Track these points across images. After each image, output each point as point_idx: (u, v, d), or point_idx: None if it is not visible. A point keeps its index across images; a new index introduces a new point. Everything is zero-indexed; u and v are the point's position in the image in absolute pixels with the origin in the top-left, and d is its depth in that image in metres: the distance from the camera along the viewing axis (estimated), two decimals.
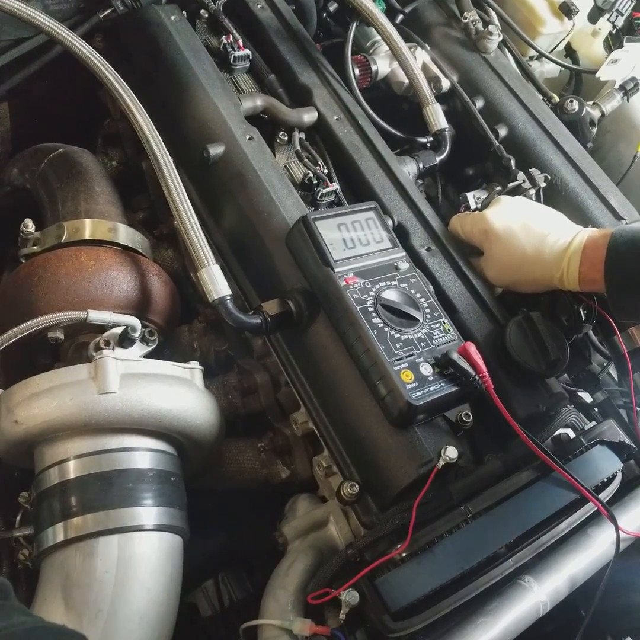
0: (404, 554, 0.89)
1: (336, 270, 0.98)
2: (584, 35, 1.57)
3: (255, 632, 0.96)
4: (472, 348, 0.97)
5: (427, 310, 1.01)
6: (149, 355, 1.03)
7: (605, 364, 1.26)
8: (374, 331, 0.95)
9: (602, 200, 1.22)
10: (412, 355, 0.95)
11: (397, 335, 0.96)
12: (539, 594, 1.03)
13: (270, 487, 1.15)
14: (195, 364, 1.02)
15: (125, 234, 1.13)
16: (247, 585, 1.29)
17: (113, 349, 0.96)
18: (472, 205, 1.24)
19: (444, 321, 1.01)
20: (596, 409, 1.23)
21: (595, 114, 1.41)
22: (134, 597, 0.87)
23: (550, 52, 1.54)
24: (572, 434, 1.08)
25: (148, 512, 0.91)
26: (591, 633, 1.19)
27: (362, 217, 1.06)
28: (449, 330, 1.00)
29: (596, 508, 1.01)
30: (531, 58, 1.55)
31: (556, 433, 1.07)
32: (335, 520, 1.06)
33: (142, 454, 0.94)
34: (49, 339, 1.01)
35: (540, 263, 1.07)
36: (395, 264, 1.04)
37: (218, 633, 1.24)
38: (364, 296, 0.98)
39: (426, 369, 0.95)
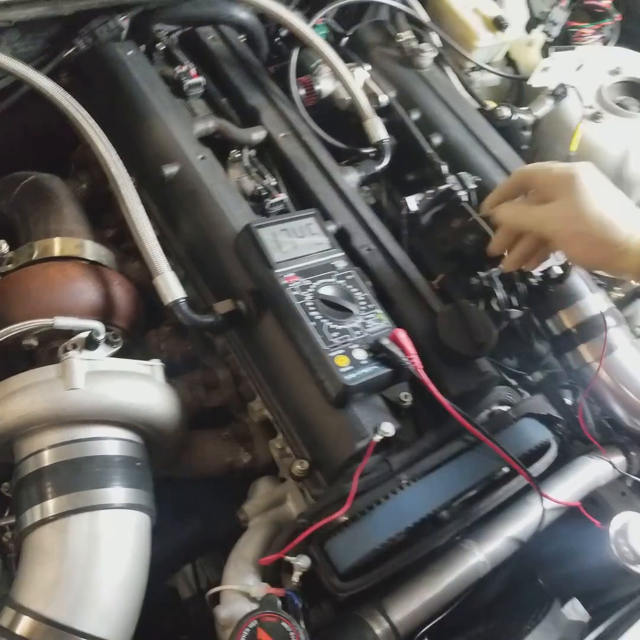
0: (345, 518, 1.00)
1: (277, 271, 1.09)
2: (520, 46, 1.69)
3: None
4: (401, 334, 1.08)
5: (362, 303, 1.11)
6: (116, 356, 1.14)
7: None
8: (312, 323, 1.06)
9: None
10: (346, 342, 1.06)
11: (333, 326, 1.07)
12: (479, 556, 1.13)
13: (236, 473, 1.26)
14: (156, 361, 1.13)
15: (91, 250, 1.25)
16: (223, 568, 1.40)
17: (80, 351, 1.07)
18: (413, 208, 1.35)
19: (377, 311, 1.11)
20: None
21: (528, 119, 1.53)
22: (103, 568, 0.97)
23: (489, 63, 1.66)
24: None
25: (115, 492, 1.02)
26: (541, 597, 1.29)
27: (302, 223, 1.17)
28: (382, 320, 1.11)
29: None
30: (473, 69, 1.67)
31: (492, 409, 1.19)
32: (292, 497, 1.16)
33: (109, 442, 1.05)
34: (24, 346, 1.13)
35: (614, 227, 1.02)
36: (333, 263, 1.15)
37: (196, 612, 1.34)
38: (303, 292, 1.09)
39: (360, 354, 1.05)
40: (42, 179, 1.34)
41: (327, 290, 1.10)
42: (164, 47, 1.43)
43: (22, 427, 1.03)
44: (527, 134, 1.49)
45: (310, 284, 1.10)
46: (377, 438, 1.03)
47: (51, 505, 0.98)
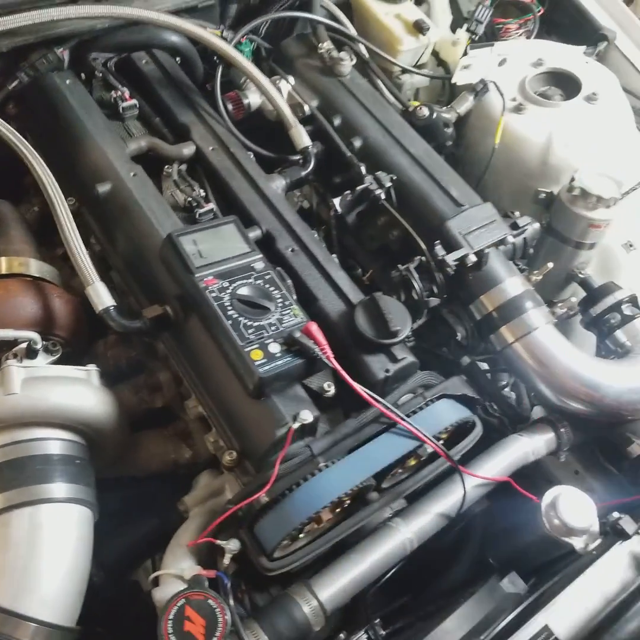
0: (266, 499, 1.07)
1: (197, 275, 1.17)
2: (447, 46, 1.77)
3: None
4: (313, 327, 1.15)
5: (279, 300, 1.19)
6: (59, 363, 1.23)
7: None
8: (229, 322, 1.14)
9: (444, 191, 1.41)
10: (262, 337, 1.13)
11: (249, 323, 1.14)
12: (406, 533, 1.21)
13: (180, 469, 1.34)
14: (92, 366, 1.22)
15: (35, 267, 1.34)
16: None
17: (20, 360, 1.17)
18: (339, 210, 1.44)
19: (293, 307, 1.19)
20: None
21: (451, 116, 1.60)
22: (45, 558, 1.07)
23: (417, 64, 1.74)
24: None
25: (57, 488, 1.11)
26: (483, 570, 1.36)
27: (223, 229, 1.25)
28: (298, 315, 1.18)
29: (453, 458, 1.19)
30: (403, 72, 1.75)
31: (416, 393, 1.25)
32: (230, 487, 1.23)
33: (49, 442, 1.14)
34: None
35: None
36: (252, 265, 1.22)
37: None
38: (222, 294, 1.17)
39: (274, 348, 1.13)
40: None
41: (245, 291, 1.18)
42: (100, 74, 1.52)
43: None
44: (449, 130, 1.56)
45: (229, 286, 1.18)
46: (296, 425, 1.11)
47: None
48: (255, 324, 1.15)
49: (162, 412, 1.39)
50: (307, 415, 1.11)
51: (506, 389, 1.58)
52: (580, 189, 1.49)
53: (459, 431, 1.28)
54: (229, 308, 1.16)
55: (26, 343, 1.18)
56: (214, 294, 1.17)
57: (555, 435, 1.39)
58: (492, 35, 1.84)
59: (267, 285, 1.21)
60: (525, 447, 1.35)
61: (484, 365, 1.56)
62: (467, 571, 1.40)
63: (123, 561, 1.38)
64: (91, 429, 1.19)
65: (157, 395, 1.36)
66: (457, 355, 1.46)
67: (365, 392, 1.12)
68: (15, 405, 1.11)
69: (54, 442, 1.15)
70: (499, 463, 1.32)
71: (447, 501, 1.24)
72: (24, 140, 1.34)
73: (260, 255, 1.25)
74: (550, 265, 1.44)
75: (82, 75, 1.56)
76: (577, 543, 1.23)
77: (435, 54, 1.80)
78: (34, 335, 1.17)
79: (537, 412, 1.54)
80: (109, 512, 1.41)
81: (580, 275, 1.59)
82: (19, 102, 1.54)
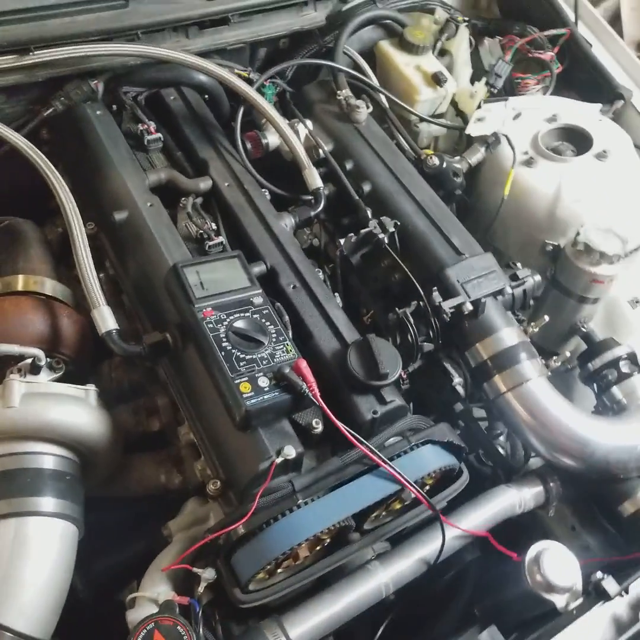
0: (243, 531, 1.10)
1: (196, 305, 1.22)
2: (465, 97, 1.81)
3: None
4: (302, 364, 1.18)
5: (274, 335, 1.23)
6: (62, 381, 1.28)
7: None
8: (222, 353, 1.18)
9: (445, 239, 1.45)
10: (252, 371, 1.17)
11: (242, 355, 1.18)
12: (382, 577, 1.22)
13: (170, 493, 1.37)
14: (90, 386, 1.27)
15: (49, 286, 1.41)
16: None
17: (24, 375, 1.22)
18: (345, 251, 1.48)
19: (287, 343, 1.23)
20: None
21: (462, 166, 1.64)
22: (26, 569, 1.10)
23: (433, 114, 1.79)
24: None
25: (45, 501, 1.15)
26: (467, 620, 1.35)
27: (226, 263, 1.31)
28: (291, 351, 1.22)
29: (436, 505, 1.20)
30: (421, 120, 1.80)
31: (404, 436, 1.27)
32: (214, 516, 1.26)
33: (42, 457, 1.18)
34: None
35: None
36: (251, 299, 1.27)
37: None
38: (218, 325, 1.21)
39: (263, 382, 1.16)
40: (15, 224, 1.52)
41: (240, 324, 1.22)
42: (129, 107, 1.60)
43: None
44: (459, 179, 1.60)
45: (226, 318, 1.22)
46: (279, 460, 1.13)
47: None
48: (248, 357, 1.19)
49: (158, 436, 1.44)
50: (291, 451, 1.14)
51: (501, 439, 1.58)
52: (585, 244, 1.51)
53: (446, 477, 1.30)
54: (224, 340, 1.20)
55: (31, 359, 1.23)
56: (210, 325, 1.21)
57: (544, 489, 1.39)
58: (511, 89, 1.89)
59: (263, 320, 1.24)
60: (512, 498, 1.36)
61: (482, 413, 1.57)
62: (457, 620, 1.40)
63: (110, 580, 1.41)
64: (84, 447, 1.24)
65: (154, 419, 1.40)
66: (452, 401, 1.47)
67: (348, 432, 1.15)
68: (12, 418, 1.16)
69: (47, 457, 1.19)
70: (484, 513, 1.33)
71: (427, 548, 1.26)
72: (50, 165, 1.41)
73: (260, 290, 1.29)
74: (547, 318, 1.45)
75: (114, 106, 1.65)
76: (559, 601, 1.23)
77: (454, 104, 1.84)
78: (38, 352, 1.23)
79: (534, 464, 1.55)
80: (102, 531, 1.45)
81: (583, 329, 1.60)
82: (52, 129, 1.63)
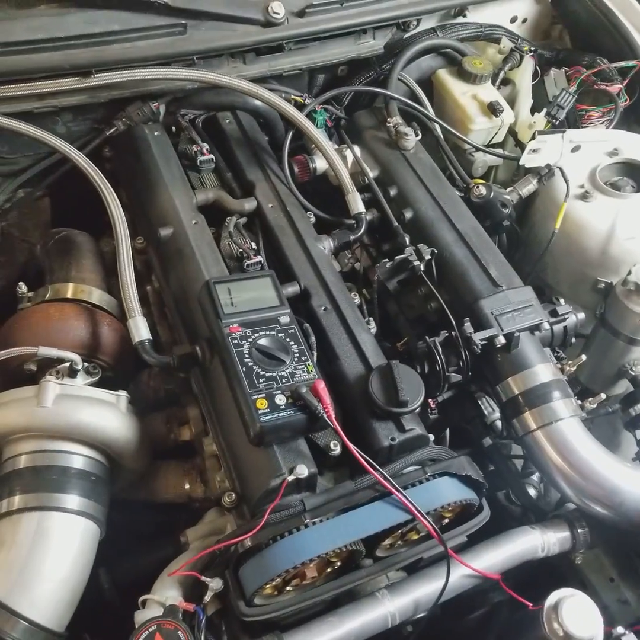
0: (250, 544, 1.12)
1: (224, 321, 1.25)
2: (524, 127, 1.79)
3: None
4: (320, 385, 1.19)
5: (296, 355, 1.24)
6: (100, 386, 1.34)
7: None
8: (243, 368, 1.20)
9: (483, 270, 1.43)
10: (271, 388, 1.19)
11: (262, 372, 1.20)
12: (389, 606, 1.20)
13: (194, 502, 1.41)
14: (122, 392, 1.32)
15: (96, 296, 1.49)
16: None
17: (61, 377, 1.29)
18: (380, 276, 1.49)
19: (308, 364, 1.24)
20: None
21: (512, 197, 1.62)
22: (45, 562, 1.16)
23: (488, 143, 1.77)
24: None
25: (69, 499, 1.21)
26: None
27: (259, 282, 1.34)
28: (311, 371, 1.23)
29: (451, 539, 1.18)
30: (477, 149, 1.78)
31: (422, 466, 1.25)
32: (231, 527, 1.27)
33: (71, 456, 1.24)
34: (25, 370, 1.36)
35: None
36: (278, 318, 1.29)
37: None
38: (243, 342, 1.24)
39: (280, 400, 1.18)
40: (71, 235, 1.62)
41: (264, 341, 1.24)
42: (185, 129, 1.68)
43: (6, 435, 1.25)
44: (506, 210, 1.57)
45: (251, 335, 1.25)
46: (291, 478, 1.15)
47: (11, 502, 1.19)
48: (268, 374, 1.21)
49: (187, 446, 1.48)
50: (303, 470, 1.15)
51: (535, 478, 1.53)
52: (635, 284, 1.46)
53: (466, 512, 1.27)
54: (247, 356, 1.22)
55: (68, 363, 1.30)
56: (235, 341, 1.24)
57: (571, 535, 1.34)
58: (574, 121, 1.84)
59: (287, 339, 1.26)
60: (535, 541, 1.31)
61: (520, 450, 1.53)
62: None
63: (135, 581, 1.46)
64: (112, 450, 1.29)
65: (185, 428, 1.43)
66: (482, 435, 1.44)
67: (360, 455, 1.15)
68: (45, 417, 1.22)
69: (75, 457, 1.25)
70: (502, 553, 1.28)
71: (440, 582, 1.23)
72: (105, 180, 1.49)
73: (288, 310, 1.31)
74: (584, 357, 1.40)
75: (173, 128, 1.73)
76: None
77: (514, 134, 1.82)
78: (75, 357, 1.29)
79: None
80: (133, 533, 1.50)
81: (631, 372, 1.54)
82: (113, 147, 1.72)
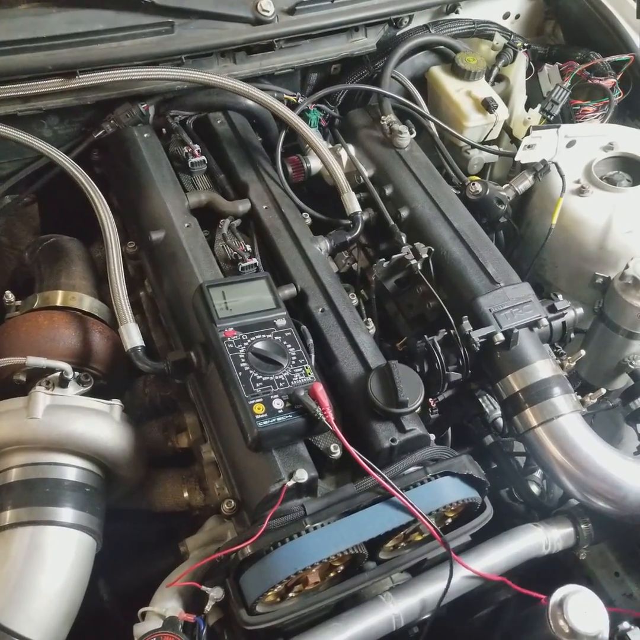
0: (250, 552, 1.09)
1: (218, 325, 1.23)
2: (519, 123, 1.77)
3: None
4: (318, 388, 1.17)
5: (294, 358, 1.22)
6: (94, 395, 1.31)
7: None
8: (240, 373, 1.18)
9: (481, 268, 1.41)
10: (268, 392, 1.16)
11: (259, 377, 1.18)
12: (393, 609, 1.18)
13: (193, 510, 1.38)
14: (116, 401, 1.29)
15: (87, 303, 1.46)
16: None
17: (52, 387, 1.26)
18: (377, 276, 1.46)
19: (306, 366, 1.21)
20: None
21: (508, 193, 1.60)
22: (39, 577, 1.12)
23: (483, 140, 1.75)
24: None
25: (63, 512, 1.18)
26: None
27: (253, 284, 1.31)
28: (309, 374, 1.20)
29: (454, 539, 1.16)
30: (472, 147, 1.76)
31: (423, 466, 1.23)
32: (232, 535, 1.25)
33: (63, 468, 1.21)
34: (14, 380, 1.33)
35: None
36: (275, 321, 1.26)
37: None
38: (238, 346, 1.21)
39: (278, 404, 1.15)
40: (61, 241, 1.59)
41: (260, 345, 1.22)
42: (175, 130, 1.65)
43: None
44: (503, 207, 1.56)
45: (247, 339, 1.22)
46: (290, 483, 1.12)
47: (2, 517, 1.16)
48: (265, 378, 1.18)
49: (185, 453, 1.45)
50: (303, 475, 1.13)
51: (537, 475, 1.51)
52: (633, 278, 1.44)
53: (469, 512, 1.25)
54: (243, 360, 1.20)
55: (59, 373, 1.27)
56: (230, 345, 1.21)
57: (574, 531, 1.32)
58: (569, 116, 1.83)
59: (284, 342, 1.24)
60: (539, 538, 1.30)
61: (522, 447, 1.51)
62: None
63: (136, 592, 1.43)
64: (107, 461, 1.26)
65: (183, 435, 1.41)
66: (483, 433, 1.42)
67: (360, 458, 1.12)
68: (35, 428, 1.19)
69: (68, 468, 1.22)
70: (506, 551, 1.27)
71: (443, 584, 1.20)
72: (94, 185, 1.46)
73: (284, 313, 1.28)
74: (583, 352, 1.39)
75: (164, 130, 1.70)
76: None
77: (509, 131, 1.81)
78: (65, 366, 1.26)
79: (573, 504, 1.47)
80: (132, 543, 1.47)
81: (631, 366, 1.52)
82: (102, 151, 1.69)
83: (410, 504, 1.12)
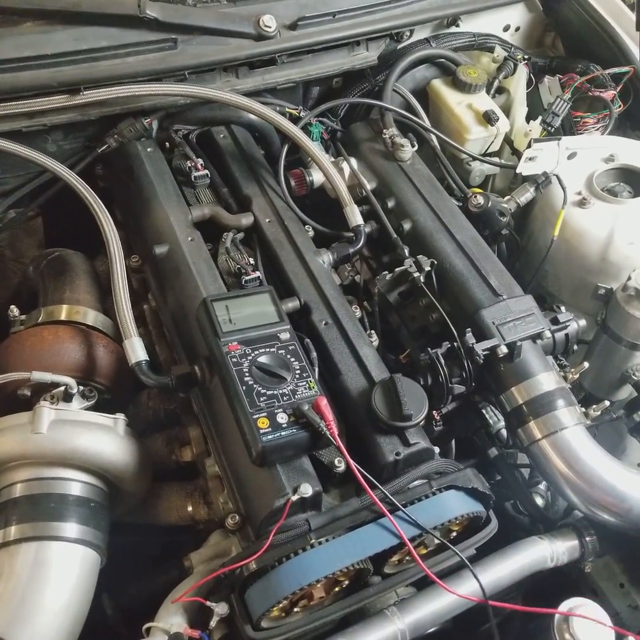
0: (255, 567, 1.09)
1: (222, 339, 1.23)
2: (520, 135, 1.78)
3: None
4: (322, 402, 1.17)
5: (297, 371, 1.22)
6: (99, 409, 1.31)
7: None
8: (243, 387, 1.18)
9: (483, 280, 1.42)
10: (272, 406, 1.16)
11: (263, 391, 1.18)
12: (399, 624, 1.17)
13: (197, 524, 1.38)
14: (120, 415, 1.29)
15: (91, 317, 1.47)
16: None
17: (57, 402, 1.26)
18: (381, 288, 1.47)
19: (310, 380, 1.22)
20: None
21: (510, 205, 1.60)
22: (43, 593, 1.12)
23: (485, 152, 1.76)
24: None
25: (68, 527, 1.17)
26: None
27: (257, 298, 1.31)
28: (313, 387, 1.21)
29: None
30: (473, 159, 1.77)
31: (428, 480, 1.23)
32: (236, 550, 1.25)
33: (68, 483, 1.21)
34: (19, 395, 1.33)
35: None
36: (278, 334, 1.27)
37: None
38: (242, 360, 1.22)
39: (282, 418, 1.16)
40: (66, 255, 1.59)
41: (264, 359, 1.22)
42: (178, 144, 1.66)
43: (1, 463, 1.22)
44: (505, 219, 1.56)
45: (251, 353, 1.23)
46: (295, 497, 1.12)
47: (7, 533, 1.16)
48: (269, 392, 1.18)
49: (190, 467, 1.45)
50: (307, 489, 1.13)
51: (541, 487, 1.51)
52: (636, 289, 1.44)
53: (474, 525, 1.25)
54: (247, 374, 1.20)
55: (63, 387, 1.27)
56: (234, 359, 1.21)
57: (579, 544, 1.32)
58: (570, 128, 1.84)
59: (288, 356, 1.24)
60: (543, 551, 1.29)
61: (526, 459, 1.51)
62: None
63: (140, 607, 1.42)
64: (111, 475, 1.26)
65: (187, 449, 1.41)
66: (487, 445, 1.42)
67: (360, 474, 1.12)
68: (40, 443, 1.19)
69: (73, 483, 1.22)
70: (511, 565, 1.26)
71: (448, 598, 1.20)
72: (97, 199, 1.47)
73: (288, 326, 1.29)
74: (586, 364, 1.39)
75: (167, 144, 1.71)
76: None
77: (510, 143, 1.81)
78: (70, 381, 1.26)
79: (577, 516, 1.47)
80: (136, 557, 1.47)
81: (634, 377, 1.52)
82: (106, 165, 1.71)
83: (412, 520, 1.13)
